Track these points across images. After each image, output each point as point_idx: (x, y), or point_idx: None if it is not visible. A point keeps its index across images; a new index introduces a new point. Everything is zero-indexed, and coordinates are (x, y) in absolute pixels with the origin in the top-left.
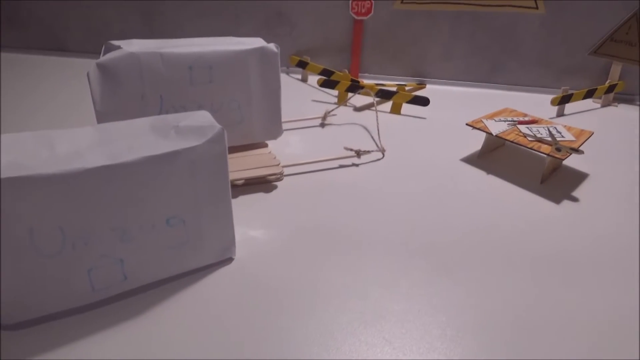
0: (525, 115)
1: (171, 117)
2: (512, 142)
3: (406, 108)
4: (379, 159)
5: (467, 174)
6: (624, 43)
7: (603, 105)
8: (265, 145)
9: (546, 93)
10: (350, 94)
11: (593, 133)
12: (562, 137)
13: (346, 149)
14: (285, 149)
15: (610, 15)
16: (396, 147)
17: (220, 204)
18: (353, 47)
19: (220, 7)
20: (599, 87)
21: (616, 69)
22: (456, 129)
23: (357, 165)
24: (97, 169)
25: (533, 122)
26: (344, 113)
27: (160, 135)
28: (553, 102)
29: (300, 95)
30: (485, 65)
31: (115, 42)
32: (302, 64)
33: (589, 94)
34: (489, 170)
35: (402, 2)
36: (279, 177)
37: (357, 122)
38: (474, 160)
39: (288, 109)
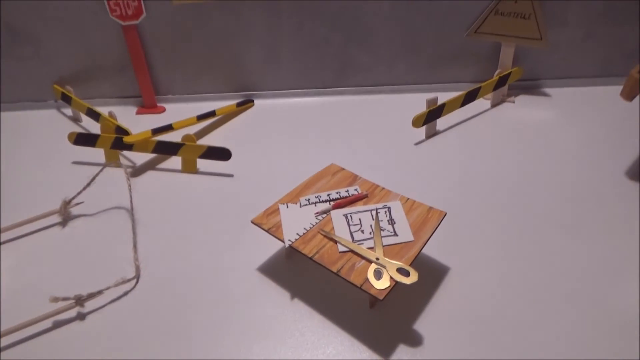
0: (355, 179)
1: None
2: (311, 259)
3: (207, 161)
4: (126, 293)
5: (266, 299)
6: (513, 16)
7: (494, 105)
8: None
9: (418, 91)
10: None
11: (445, 214)
12: (395, 233)
13: (54, 300)
14: None
15: None
16: (166, 254)
17: None
18: (134, 63)
19: None
20: (482, 85)
21: (507, 53)
22: (269, 193)
23: (83, 317)
24: None
25: (359, 198)
26: (114, 181)
27: None
28: (415, 124)
29: (61, 150)
30: (329, 65)
31: None
32: (66, 98)
33: (469, 99)
34: (296, 287)
35: None
36: None
37: (124, 204)
38: (278, 268)
39: (25, 188)
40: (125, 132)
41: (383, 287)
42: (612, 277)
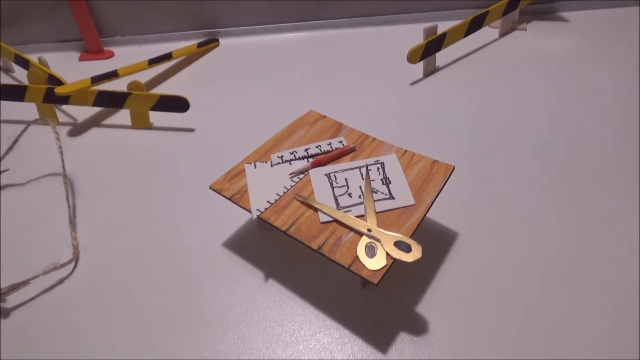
0: (339, 129)
1: None
2: (285, 232)
3: (162, 114)
4: (62, 280)
5: (234, 281)
6: None
7: (502, 34)
8: None
9: (414, 21)
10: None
11: (453, 169)
12: (391, 196)
13: None
14: None
15: None
16: (113, 229)
17: None
18: None
19: None
20: (489, 9)
21: None
22: (238, 149)
23: (7, 314)
24: None
25: (345, 153)
26: (49, 143)
27: None
28: (411, 59)
29: None
30: None
31: None
32: None
33: (474, 27)
34: (272, 264)
35: None
36: None
37: (55, 170)
38: (249, 241)
39: None
40: (60, 82)
41: (377, 268)
42: None
